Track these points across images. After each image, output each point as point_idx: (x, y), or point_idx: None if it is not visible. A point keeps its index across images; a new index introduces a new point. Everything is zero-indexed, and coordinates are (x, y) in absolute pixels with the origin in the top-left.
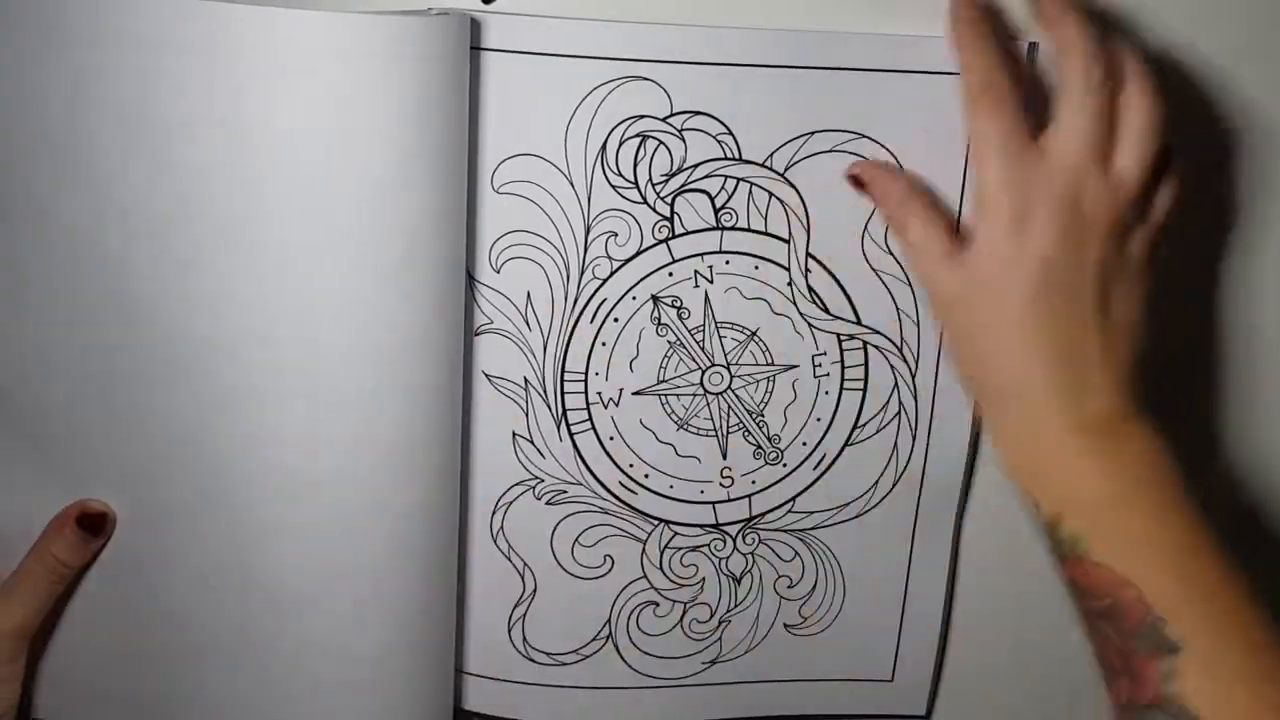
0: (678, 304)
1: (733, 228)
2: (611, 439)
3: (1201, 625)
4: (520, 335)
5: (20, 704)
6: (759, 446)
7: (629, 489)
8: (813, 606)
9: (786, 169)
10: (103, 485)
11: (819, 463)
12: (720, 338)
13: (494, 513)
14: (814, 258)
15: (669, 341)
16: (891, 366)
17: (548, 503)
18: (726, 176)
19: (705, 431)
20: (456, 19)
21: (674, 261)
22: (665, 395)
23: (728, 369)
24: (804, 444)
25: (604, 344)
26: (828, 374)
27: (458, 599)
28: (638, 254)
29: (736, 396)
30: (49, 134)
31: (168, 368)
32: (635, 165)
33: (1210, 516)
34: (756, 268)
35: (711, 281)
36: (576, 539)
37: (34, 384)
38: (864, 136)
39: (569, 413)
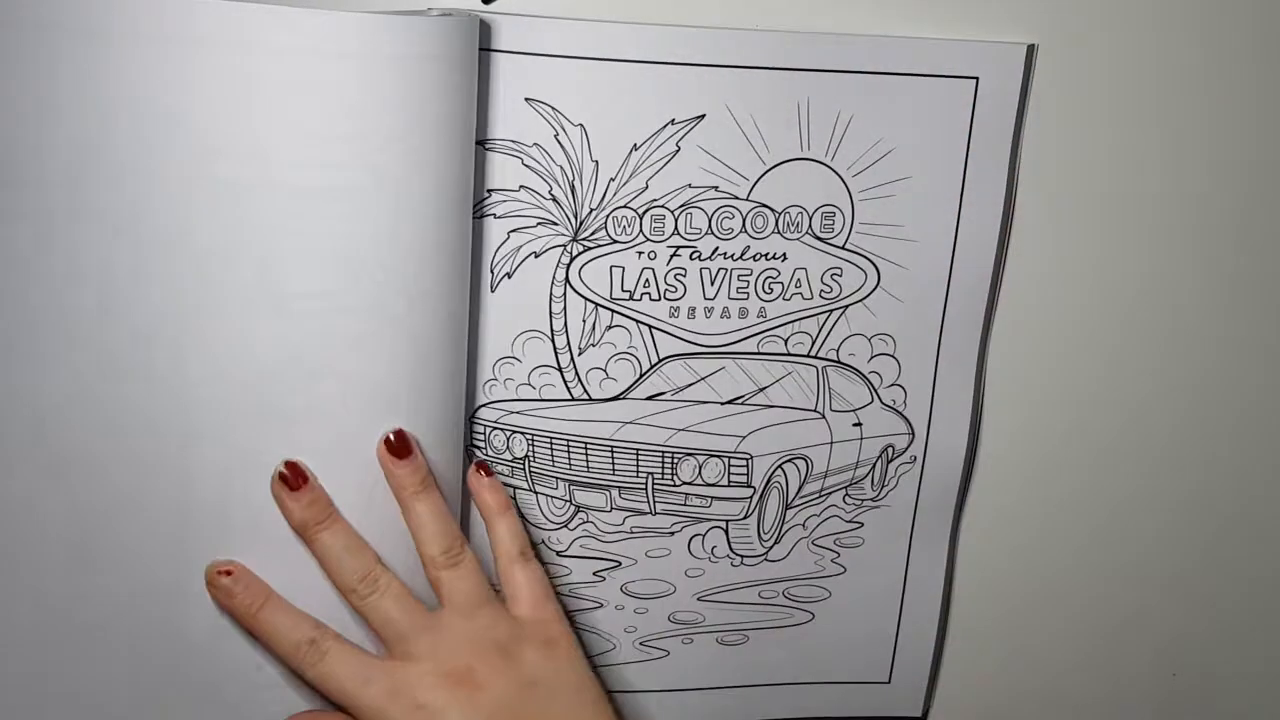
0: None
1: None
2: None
3: None
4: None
5: None
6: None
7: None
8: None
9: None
10: (85, 485)
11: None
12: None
13: None
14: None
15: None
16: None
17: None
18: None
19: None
20: (465, 20)
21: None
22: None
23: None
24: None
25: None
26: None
27: None
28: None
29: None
30: (49, 131)
31: (162, 367)
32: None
33: None
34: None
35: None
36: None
37: (26, 387)
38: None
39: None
